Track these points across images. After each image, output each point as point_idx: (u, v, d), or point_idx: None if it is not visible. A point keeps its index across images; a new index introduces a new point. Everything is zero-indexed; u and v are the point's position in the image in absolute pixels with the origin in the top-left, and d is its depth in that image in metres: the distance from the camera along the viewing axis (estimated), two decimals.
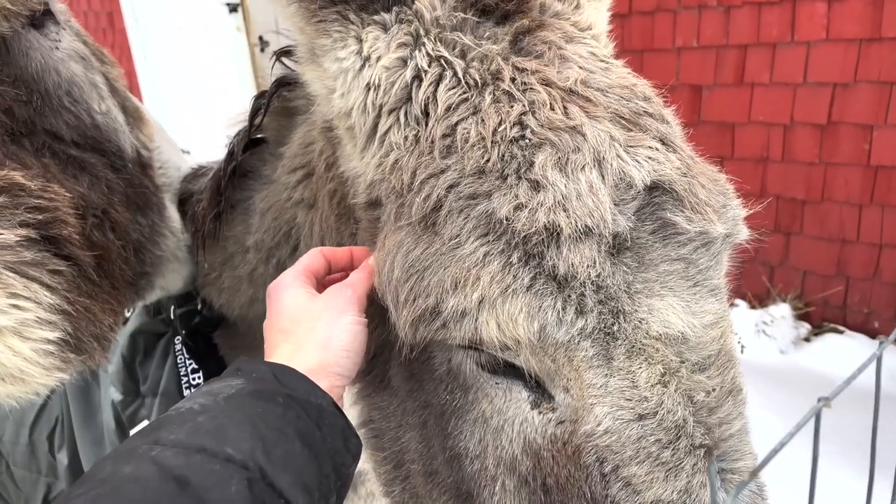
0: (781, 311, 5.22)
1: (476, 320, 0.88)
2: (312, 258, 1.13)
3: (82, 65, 1.38)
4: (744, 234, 1.02)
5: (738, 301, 5.54)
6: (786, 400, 4.40)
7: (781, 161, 5.15)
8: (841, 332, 5.11)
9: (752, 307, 5.44)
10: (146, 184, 1.51)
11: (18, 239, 1.08)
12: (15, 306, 1.08)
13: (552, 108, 0.93)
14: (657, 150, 0.93)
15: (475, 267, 0.88)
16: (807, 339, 5.15)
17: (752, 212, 1.07)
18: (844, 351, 4.89)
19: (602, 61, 1.05)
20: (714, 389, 0.90)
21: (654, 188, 0.91)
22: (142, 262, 1.48)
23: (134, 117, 1.56)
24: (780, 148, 5.12)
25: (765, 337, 5.11)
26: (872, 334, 5.02)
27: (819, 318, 5.30)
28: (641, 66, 5.60)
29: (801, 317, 5.30)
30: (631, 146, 0.92)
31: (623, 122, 0.95)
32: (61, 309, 1.16)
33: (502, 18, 1.05)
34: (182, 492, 0.70)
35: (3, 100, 1.16)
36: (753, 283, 5.52)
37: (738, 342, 1.12)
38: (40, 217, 1.13)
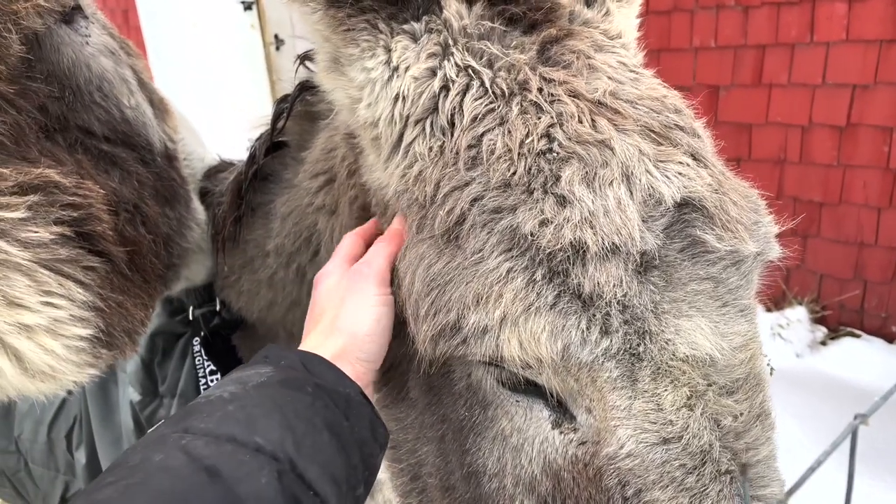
0: (797, 315, 5.18)
1: (497, 338, 0.86)
2: (351, 243, 1.13)
3: (112, 59, 1.37)
4: (776, 251, 1.00)
5: None
6: (801, 404, 4.37)
7: (799, 163, 5.11)
8: (858, 336, 5.06)
9: (768, 310, 5.40)
10: (173, 176, 1.50)
11: (53, 237, 1.08)
12: (49, 303, 1.08)
13: (580, 121, 0.91)
14: (688, 165, 0.90)
15: (498, 283, 0.86)
16: (823, 343, 5.11)
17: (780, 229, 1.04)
18: (861, 355, 4.84)
19: (632, 71, 1.02)
20: (742, 414, 0.88)
21: (684, 205, 0.88)
22: (170, 255, 1.48)
23: (160, 109, 1.56)
24: (798, 149, 5.08)
25: (780, 340, 5.07)
26: (890, 338, 4.97)
27: (836, 322, 5.25)
28: (658, 67, 5.56)
29: (818, 320, 5.25)
30: (661, 161, 0.89)
31: (653, 135, 0.92)
32: (94, 305, 1.16)
33: (530, 27, 1.03)
34: (212, 482, 0.70)
35: (36, 97, 1.16)
36: (769, 285, 5.47)
37: (768, 364, 1.09)
38: (75, 214, 1.13)
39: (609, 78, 0.98)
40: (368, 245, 1.13)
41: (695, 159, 0.92)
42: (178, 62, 7.14)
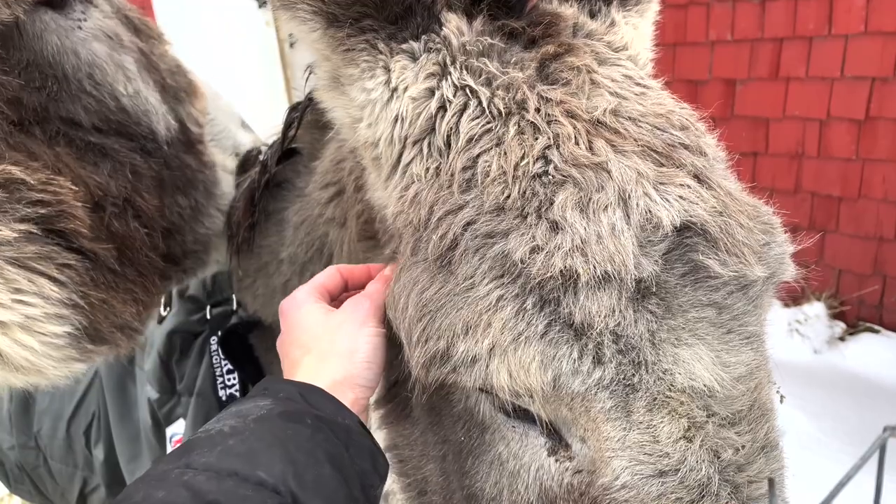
0: (816, 310, 5.13)
1: (487, 367, 0.84)
2: (328, 276, 1.13)
3: (108, 44, 1.32)
4: (790, 272, 0.97)
5: None
6: (819, 400, 4.33)
7: (817, 157, 5.06)
8: (877, 332, 5.01)
9: (786, 306, 5.36)
10: (188, 163, 1.47)
11: (18, 234, 1.06)
12: (20, 301, 1.07)
13: (577, 143, 0.88)
14: (689, 187, 0.87)
15: (487, 311, 0.84)
16: (841, 339, 5.06)
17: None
18: (880, 351, 4.80)
19: (638, 84, 1.00)
20: (744, 446, 0.85)
21: (685, 229, 0.85)
22: (182, 243, 1.46)
23: (187, 92, 1.52)
24: (816, 143, 5.02)
25: (798, 336, 5.03)
26: None
27: (854, 318, 5.20)
28: (674, 60, 5.53)
29: (836, 316, 5.20)
30: (661, 183, 0.86)
31: (654, 155, 0.89)
32: (73, 303, 1.14)
33: (530, 43, 1.01)
34: None
35: (5, 90, 1.12)
36: (787, 281, 5.44)
37: (777, 392, 1.07)
38: (42, 211, 1.10)
39: (611, 94, 0.95)
40: (347, 283, 1.14)
41: (699, 180, 0.89)
42: (193, 60, 7.17)
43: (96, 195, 1.21)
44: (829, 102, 4.87)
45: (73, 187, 1.16)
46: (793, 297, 5.40)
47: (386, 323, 1.04)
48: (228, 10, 6.58)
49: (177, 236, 1.43)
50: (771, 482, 0.83)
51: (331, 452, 0.84)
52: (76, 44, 1.24)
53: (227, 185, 1.60)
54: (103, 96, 1.27)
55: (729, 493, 0.83)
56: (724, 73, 5.33)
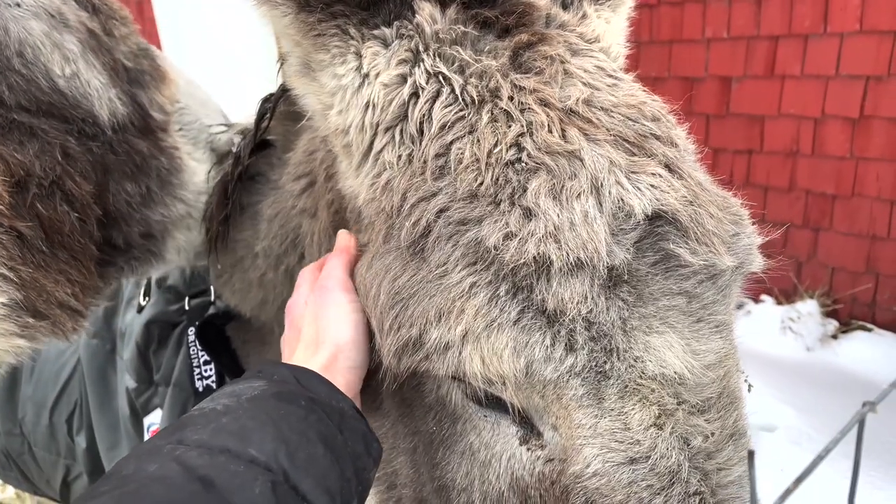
0: (808, 308, 5.14)
1: (459, 354, 0.84)
2: (311, 272, 1.16)
3: (47, 23, 1.27)
4: (757, 263, 0.97)
5: (764, 297, 5.47)
6: (810, 397, 4.34)
7: (812, 155, 5.06)
8: (870, 330, 5.01)
9: (779, 303, 5.37)
10: (140, 148, 1.41)
11: None
12: None
13: (550, 131, 0.88)
14: (661, 176, 0.87)
15: (460, 298, 0.84)
16: (834, 337, 5.07)
17: (765, 238, 1.01)
18: (873, 349, 4.80)
19: (610, 76, 1.00)
20: (713, 433, 0.86)
21: (657, 218, 0.85)
22: (128, 232, 1.42)
23: (152, 76, 1.48)
24: (811, 142, 5.03)
25: (791, 334, 5.03)
26: None
27: (847, 316, 5.21)
28: (670, 58, 5.53)
29: (829, 314, 5.21)
30: (633, 172, 0.87)
31: (626, 145, 0.90)
32: (1, 275, 1.12)
33: (503, 32, 1.00)
34: (207, 492, 0.70)
35: None
36: (780, 278, 5.44)
37: (745, 381, 1.08)
38: None
39: (584, 84, 0.95)
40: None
41: (670, 170, 0.89)
42: (193, 53, 7.18)
43: (17, 174, 1.17)
44: (824, 100, 4.88)
45: None
46: (786, 294, 5.41)
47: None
48: (228, 6, 6.59)
49: (122, 224, 1.41)
50: (750, 454, 0.85)
51: (323, 433, 0.84)
52: (7, 20, 1.21)
53: (191, 174, 1.56)
54: (34, 76, 1.23)
55: (699, 480, 0.84)
56: (720, 71, 5.34)
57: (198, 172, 1.58)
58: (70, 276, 1.24)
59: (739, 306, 5.35)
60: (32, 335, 1.20)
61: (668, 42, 5.49)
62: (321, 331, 1.02)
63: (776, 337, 5.04)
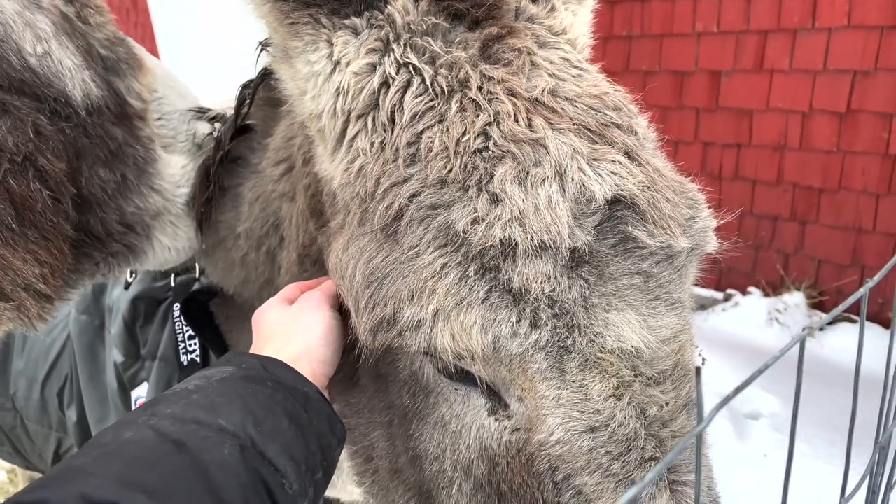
0: (795, 300, 5.20)
1: (431, 331, 0.89)
2: (289, 290, 1.20)
3: (20, 3, 1.28)
4: (712, 245, 1.02)
5: (751, 289, 5.53)
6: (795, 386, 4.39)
7: (799, 149, 5.12)
8: (854, 322, 5.07)
9: (766, 295, 5.43)
10: (114, 135, 1.41)
11: None
12: None
13: (516, 120, 0.93)
14: (620, 163, 0.92)
15: (432, 279, 0.88)
16: (820, 329, 5.12)
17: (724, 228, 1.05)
18: (857, 341, 4.84)
19: (575, 67, 1.04)
20: (668, 404, 0.90)
21: (616, 202, 0.90)
22: (104, 221, 1.41)
23: (129, 64, 1.49)
24: (798, 135, 5.09)
25: (777, 325, 5.09)
26: (887, 324, 4.97)
27: (833, 307, 5.26)
28: (660, 51, 5.58)
29: (815, 305, 5.27)
30: (595, 159, 0.91)
31: (588, 133, 0.94)
32: None
33: (473, 24, 1.04)
34: (178, 452, 0.76)
35: None
36: (767, 270, 5.50)
37: (699, 355, 1.13)
38: None
39: (550, 75, 0.99)
40: None
41: (629, 157, 0.94)
42: (187, 43, 7.18)
43: None
44: (812, 95, 4.94)
45: None
46: (773, 286, 5.46)
47: (339, 307, 1.10)
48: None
49: (97, 210, 1.40)
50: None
51: (289, 410, 0.89)
52: None
53: (166, 164, 1.56)
54: (5, 53, 1.24)
55: (654, 447, 0.89)
56: (709, 65, 5.39)
57: (173, 163, 1.58)
58: (39, 257, 1.24)
59: (728, 299, 5.41)
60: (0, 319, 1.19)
61: (659, 36, 5.54)
62: (293, 331, 1.07)
63: (763, 328, 5.10)
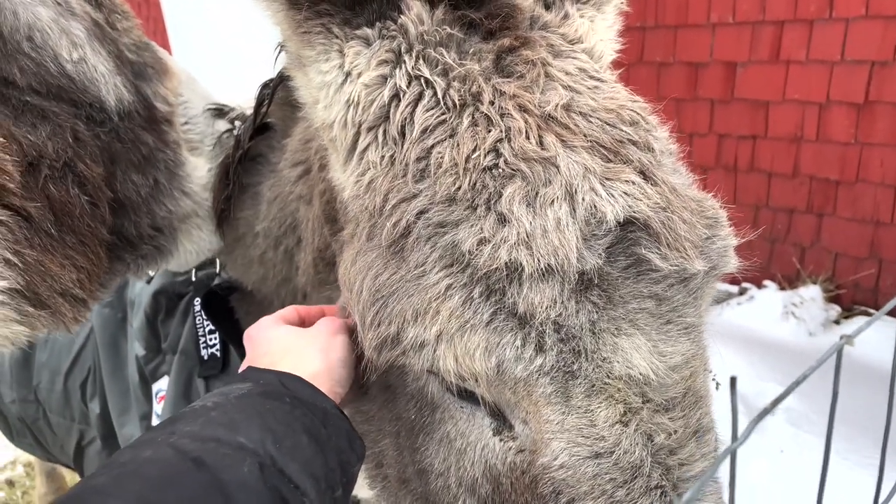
0: (811, 293, 5.15)
1: (434, 352, 0.88)
2: (287, 312, 1.20)
3: (54, 10, 1.29)
4: (731, 265, 1.00)
5: (767, 282, 5.49)
6: (811, 381, 4.33)
7: (816, 140, 5.07)
8: (872, 316, 5.02)
9: (782, 288, 5.39)
10: (145, 140, 1.44)
11: None
12: None
13: (527, 137, 0.91)
14: (634, 183, 0.90)
15: (436, 300, 0.87)
16: (836, 322, 5.09)
17: (743, 241, 1.04)
18: (875, 335, 4.80)
19: (591, 78, 1.02)
20: (676, 431, 0.89)
21: (629, 224, 0.88)
22: (137, 224, 1.43)
23: (155, 69, 1.51)
24: (815, 127, 5.03)
25: (793, 319, 5.05)
26: None
27: (850, 301, 5.22)
28: (675, 43, 5.53)
29: (832, 299, 5.22)
30: (607, 179, 0.89)
31: (602, 151, 0.92)
32: (5, 259, 1.13)
33: (488, 34, 1.02)
34: (198, 470, 0.76)
35: None
36: (783, 264, 5.46)
37: (713, 379, 1.11)
38: None
39: (564, 87, 0.97)
40: (302, 321, 1.20)
41: (644, 177, 0.92)
42: (197, 38, 7.20)
43: (30, 155, 1.19)
44: (829, 86, 4.88)
45: (2, 140, 1.14)
46: (789, 280, 5.43)
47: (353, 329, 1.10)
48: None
49: (131, 214, 1.42)
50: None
51: (308, 426, 0.90)
52: (16, 5, 1.23)
53: (193, 168, 1.58)
54: (44, 59, 1.26)
55: (660, 475, 0.88)
56: (725, 56, 5.33)
57: (198, 166, 1.59)
58: (77, 262, 1.26)
59: (743, 292, 5.36)
60: (32, 323, 1.21)
61: (674, 27, 5.49)
62: (311, 354, 1.06)
63: (779, 322, 5.06)
